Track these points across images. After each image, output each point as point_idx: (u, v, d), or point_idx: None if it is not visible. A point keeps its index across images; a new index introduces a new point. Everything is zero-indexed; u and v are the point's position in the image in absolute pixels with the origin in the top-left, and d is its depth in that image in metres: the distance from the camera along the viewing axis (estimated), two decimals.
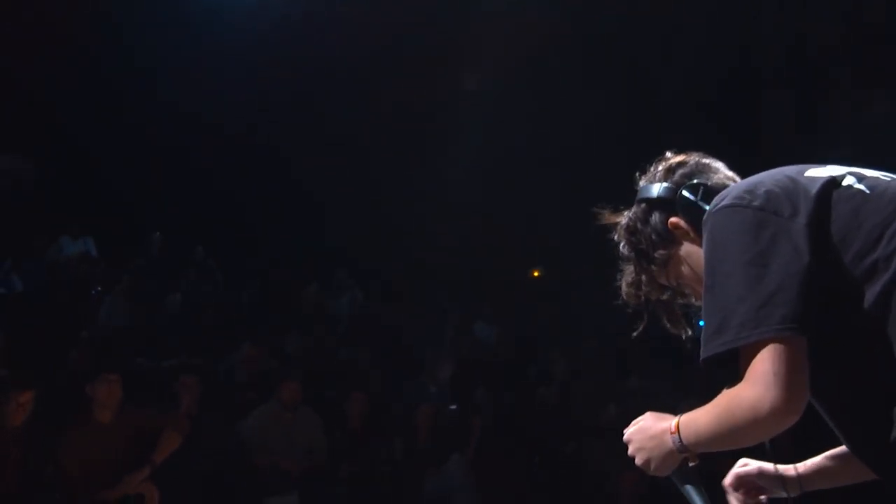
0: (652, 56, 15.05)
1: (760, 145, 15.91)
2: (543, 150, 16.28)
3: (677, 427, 2.36)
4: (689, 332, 2.61)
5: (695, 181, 2.52)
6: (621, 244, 2.64)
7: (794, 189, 2.26)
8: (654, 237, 2.56)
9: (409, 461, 9.61)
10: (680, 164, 2.59)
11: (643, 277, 2.60)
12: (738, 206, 2.25)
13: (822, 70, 14.89)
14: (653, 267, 2.58)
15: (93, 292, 13.35)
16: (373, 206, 16.65)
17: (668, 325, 2.64)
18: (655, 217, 2.56)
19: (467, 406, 10.91)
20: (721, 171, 2.58)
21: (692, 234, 2.50)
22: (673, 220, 2.53)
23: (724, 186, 2.47)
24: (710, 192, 2.46)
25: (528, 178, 16.35)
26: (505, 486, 9.53)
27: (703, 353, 2.24)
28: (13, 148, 15.81)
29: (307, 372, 10.45)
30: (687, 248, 2.53)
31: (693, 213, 2.48)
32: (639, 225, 2.59)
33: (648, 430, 2.45)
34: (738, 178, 2.54)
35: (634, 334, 2.66)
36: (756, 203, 2.23)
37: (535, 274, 18.95)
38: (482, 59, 15.44)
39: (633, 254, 2.61)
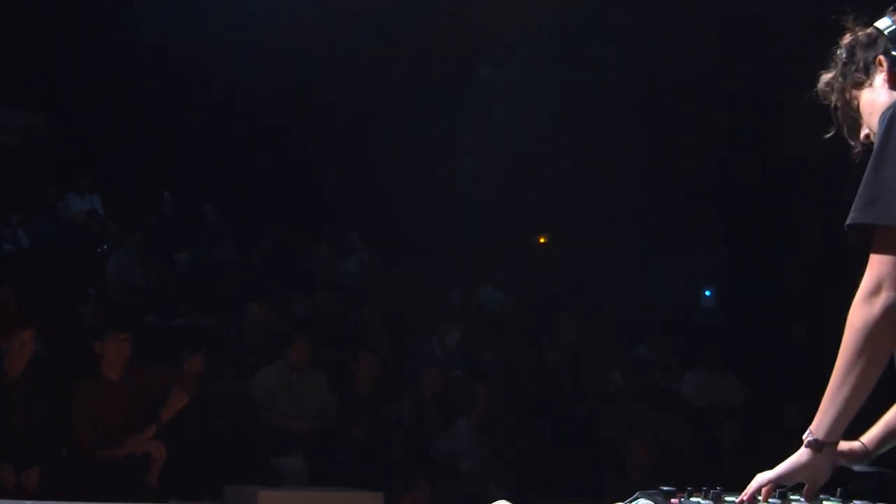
0: (657, 36, 14.99)
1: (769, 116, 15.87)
2: (552, 118, 16.20)
3: None
4: (858, 150, 2.73)
5: None
6: (840, 50, 2.76)
7: None
8: (861, 63, 2.69)
9: (416, 425, 9.61)
10: None
11: (836, 85, 2.74)
12: None
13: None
14: (846, 83, 2.71)
15: (99, 250, 13.34)
16: (381, 169, 16.59)
17: (845, 133, 2.76)
18: (874, 49, 2.68)
19: (474, 371, 10.91)
20: None
21: (886, 79, 2.63)
22: (881, 58, 2.65)
23: None
24: None
25: (537, 146, 16.29)
26: (512, 450, 9.54)
27: (851, 219, 2.36)
28: (23, 104, 15.76)
29: (315, 334, 10.44)
30: (878, 85, 2.66)
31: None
32: (859, 46, 2.71)
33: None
34: None
35: (826, 136, 2.81)
36: None
37: (542, 240, 18.89)
38: (485, 31, 15.39)
39: (841, 62, 2.73)
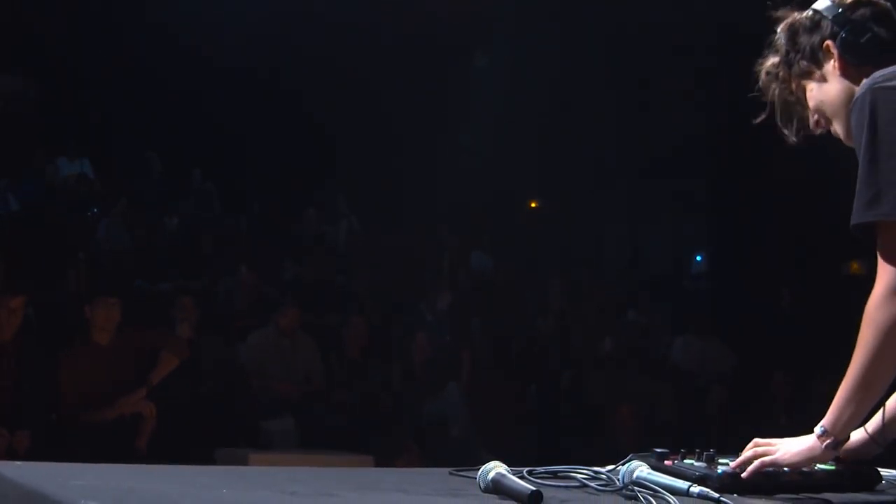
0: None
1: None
2: (541, 82, 16.16)
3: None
4: (794, 139, 2.66)
5: (870, 26, 2.51)
6: (779, 35, 2.63)
7: None
8: (807, 49, 2.56)
9: (405, 389, 9.63)
10: (869, 3, 2.55)
11: (780, 74, 2.62)
12: None
13: None
14: (792, 72, 2.60)
15: (89, 213, 13.29)
16: (369, 134, 16.54)
17: (779, 123, 2.67)
18: (819, 33, 2.55)
19: (463, 336, 10.92)
20: None
21: (838, 66, 2.52)
22: (829, 43, 2.53)
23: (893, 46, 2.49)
24: (878, 42, 2.48)
25: (528, 110, 16.25)
26: (501, 415, 9.57)
27: (854, 219, 2.29)
28: (12, 68, 15.65)
29: (304, 298, 10.44)
30: (829, 73, 2.54)
31: (851, 53, 2.50)
32: (801, 30, 2.59)
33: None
34: None
35: (756, 122, 2.69)
36: None
37: (533, 205, 18.88)
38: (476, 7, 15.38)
39: (783, 50, 2.62)
